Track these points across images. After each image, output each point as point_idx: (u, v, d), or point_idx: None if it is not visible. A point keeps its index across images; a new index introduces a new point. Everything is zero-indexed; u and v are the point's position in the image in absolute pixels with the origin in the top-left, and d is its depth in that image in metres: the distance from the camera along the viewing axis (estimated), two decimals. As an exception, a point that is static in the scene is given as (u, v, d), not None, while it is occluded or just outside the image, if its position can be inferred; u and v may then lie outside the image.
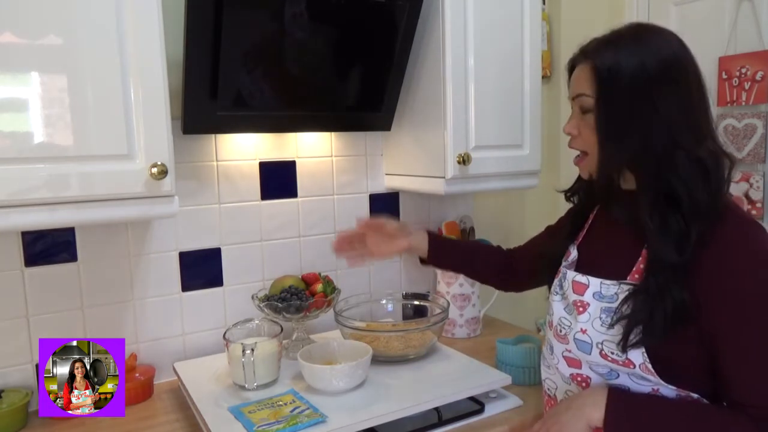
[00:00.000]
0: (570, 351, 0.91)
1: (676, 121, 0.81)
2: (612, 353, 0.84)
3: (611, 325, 0.84)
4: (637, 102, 0.81)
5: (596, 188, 0.93)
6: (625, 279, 0.85)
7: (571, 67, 0.92)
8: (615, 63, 0.82)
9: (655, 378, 0.82)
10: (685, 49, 0.84)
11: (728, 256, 0.78)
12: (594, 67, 0.84)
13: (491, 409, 1.15)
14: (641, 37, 0.84)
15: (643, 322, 0.80)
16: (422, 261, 1.26)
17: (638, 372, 0.83)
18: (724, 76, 1.67)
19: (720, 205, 0.81)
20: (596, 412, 0.82)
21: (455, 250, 1.26)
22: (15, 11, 0.89)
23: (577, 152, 0.94)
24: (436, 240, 1.24)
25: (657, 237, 0.80)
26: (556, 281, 0.99)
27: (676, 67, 0.82)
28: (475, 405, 1.14)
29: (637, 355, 0.82)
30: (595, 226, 1.00)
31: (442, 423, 1.09)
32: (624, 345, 0.81)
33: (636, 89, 0.81)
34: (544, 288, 1.07)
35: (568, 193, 1.06)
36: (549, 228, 1.20)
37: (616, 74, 0.82)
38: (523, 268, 1.21)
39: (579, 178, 1.01)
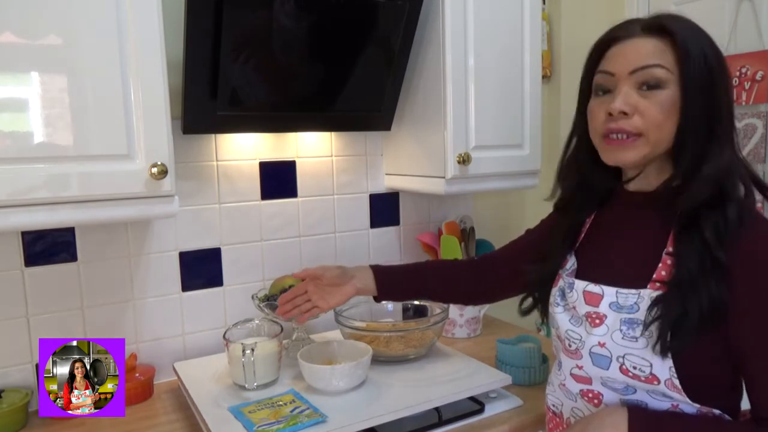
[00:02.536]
0: (581, 367, 0.85)
1: (731, 108, 0.80)
2: (634, 368, 0.79)
3: (641, 335, 0.78)
4: (723, 88, 0.79)
5: (682, 182, 0.81)
6: (645, 287, 0.80)
7: (608, 41, 0.84)
8: (701, 42, 0.78)
9: (680, 396, 0.77)
10: None
11: (757, 262, 0.75)
12: (678, 41, 0.77)
13: (491, 409, 1.15)
14: (694, 23, 0.81)
15: (678, 319, 0.74)
16: (375, 298, 1.18)
17: (661, 389, 0.78)
18: (724, 76, 1.67)
19: (752, 207, 0.79)
20: None
21: (406, 279, 1.17)
22: (15, 11, 0.89)
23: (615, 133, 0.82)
24: (383, 274, 1.15)
25: (703, 231, 0.76)
26: (555, 291, 0.93)
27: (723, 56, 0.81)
28: (475, 405, 1.14)
29: (664, 371, 0.77)
30: (594, 231, 0.94)
31: (442, 423, 1.09)
32: (663, 347, 0.75)
33: (721, 74, 0.78)
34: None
35: (566, 199, 0.96)
36: (530, 233, 1.13)
37: (705, 54, 0.77)
38: (496, 278, 1.15)
39: (566, 181, 0.94)
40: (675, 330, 0.75)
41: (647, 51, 0.79)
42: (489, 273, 1.16)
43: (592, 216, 0.96)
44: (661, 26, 0.80)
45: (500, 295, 1.20)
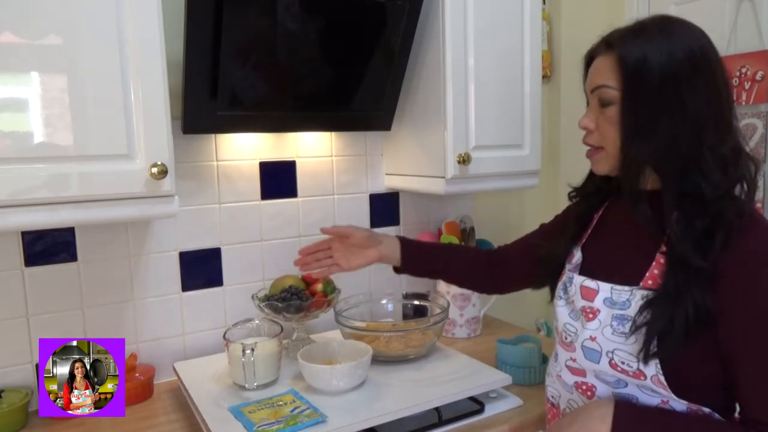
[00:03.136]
0: (575, 360, 0.88)
1: (703, 116, 0.77)
2: (623, 363, 0.81)
3: (628, 335, 0.80)
4: (666, 96, 0.77)
5: (622, 187, 0.86)
6: (638, 285, 0.82)
7: (590, 58, 0.88)
8: (643, 55, 0.78)
9: (666, 391, 0.79)
10: (711, 42, 0.80)
11: (752, 267, 0.75)
12: (620, 58, 0.80)
13: (491, 409, 1.15)
14: (668, 29, 0.80)
15: (663, 329, 0.76)
16: (396, 269, 1.19)
17: (648, 384, 0.80)
18: (724, 76, 1.67)
19: (747, 211, 0.78)
20: (603, 426, 0.79)
21: (430, 256, 1.19)
22: (15, 11, 0.89)
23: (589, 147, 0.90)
24: (408, 247, 1.17)
25: (680, 239, 0.77)
26: (559, 285, 0.95)
27: (704, 60, 0.79)
28: (475, 405, 1.14)
29: (650, 367, 0.78)
30: (600, 227, 0.96)
31: (442, 423, 1.09)
32: (645, 355, 0.77)
33: (665, 82, 0.77)
34: (545, 288, 1.05)
35: (580, 193, 1.00)
36: (543, 226, 1.16)
37: (644, 66, 0.78)
38: (508, 269, 1.17)
39: (591, 177, 0.97)
40: (660, 339, 0.77)
41: (600, 70, 0.84)
42: (503, 266, 1.18)
43: (600, 211, 0.98)
44: (610, 42, 0.83)
45: (512, 287, 1.22)
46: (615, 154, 0.84)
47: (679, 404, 0.80)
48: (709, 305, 0.75)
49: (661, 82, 0.78)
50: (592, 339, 0.84)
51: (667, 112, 0.78)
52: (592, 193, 0.98)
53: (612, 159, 0.85)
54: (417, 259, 1.17)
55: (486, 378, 1.18)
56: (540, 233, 1.15)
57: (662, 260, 0.81)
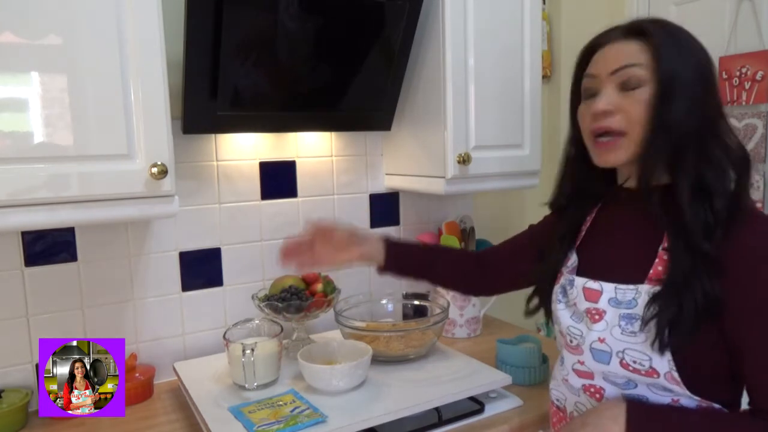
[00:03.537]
0: (583, 363, 0.87)
1: (713, 116, 0.81)
2: (634, 362, 0.80)
3: (639, 332, 0.80)
4: (697, 86, 0.80)
5: (638, 177, 0.84)
6: (643, 282, 0.82)
7: (590, 51, 0.88)
8: (677, 50, 0.81)
9: (680, 388, 0.79)
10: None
11: (752, 263, 0.76)
12: (656, 43, 0.80)
13: (491, 409, 1.15)
14: (681, 29, 0.84)
15: (674, 318, 0.76)
16: (379, 268, 1.15)
17: (661, 382, 0.79)
18: (725, 76, 1.67)
19: (747, 206, 0.80)
20: (615, 427, 0.78)
21: (414, 258, 1.16)
22: (15, 11, 0.89)
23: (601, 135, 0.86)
24: (392, 248, 1.14)
25: (689, 224, 0.78)
26: (557, 288, 0.94)
27: (712, 64, 0.83)
28: (475, 405, 1.14)
29: (663, 364, 0.78)
30: (594, 230, 0.96)
31: (442, 423, 1.09)
32: (660, 345, 0.77)
33: (698, 73, 0.80)
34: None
35: (561, 203, 0.99)
36: (532, 227, 1.14)
37: (677, 51, 0.80)
38: (498, 270, 1.15)
39: (562, 186, 0.97)
40: (672, 327, 0.77)
41: (626, 52, 0.83)
42: (492, 267, 1.17)
43: (593, 214, 0.97)
44: (639, 29, 0.83)
45: (501, 289, 1.21)
46: (637, 141, 0.82)
47: (691, 401, 0.80)
48: (717, 291, 0.76)
49: (694, 71, 0.80)
50: (601, 341, 0.84)
51: (693, 106, 0.80)
52: (579, 205, 0.97)
53: (634, 146, 0.82)
54: (400, 258, 1.14)
55: (486, 378, 1.18)
56: (529, 234, 1.14)
57: (665, 257, 0.81)
